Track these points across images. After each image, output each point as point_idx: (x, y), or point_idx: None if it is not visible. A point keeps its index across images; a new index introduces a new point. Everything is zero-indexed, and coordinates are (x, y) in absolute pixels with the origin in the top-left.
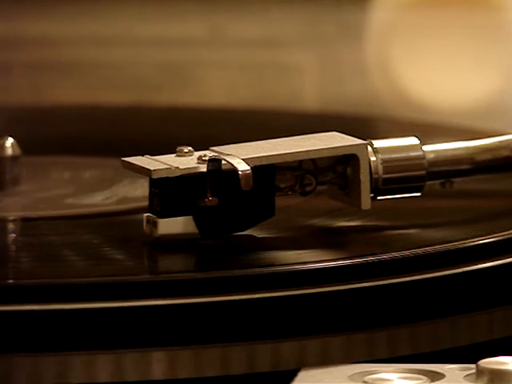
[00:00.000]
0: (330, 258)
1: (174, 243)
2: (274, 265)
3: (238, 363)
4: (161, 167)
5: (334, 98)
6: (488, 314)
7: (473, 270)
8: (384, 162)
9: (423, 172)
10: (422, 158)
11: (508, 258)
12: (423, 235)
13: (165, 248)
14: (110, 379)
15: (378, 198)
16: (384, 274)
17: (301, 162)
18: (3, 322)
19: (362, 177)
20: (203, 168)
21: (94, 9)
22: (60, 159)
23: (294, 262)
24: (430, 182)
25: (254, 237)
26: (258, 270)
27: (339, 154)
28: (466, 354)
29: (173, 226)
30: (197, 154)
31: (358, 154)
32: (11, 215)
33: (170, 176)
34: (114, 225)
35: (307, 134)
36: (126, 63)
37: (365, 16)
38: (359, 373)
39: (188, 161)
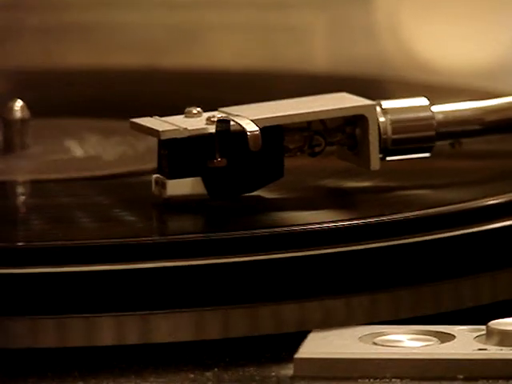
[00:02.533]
0: (339, 218)
1: (182, 204)
2: (282, 226)
3: (241, 325)
4: (169, 128)
5: (343, 59)
6: (493, 275)
7: (479, 232)
8: (393, 122)
9: (432, 132)
10: (432, 118)
11: None
12: (431, 196)
13: (174, 209)
14: (136, 340)
15: (387, 158)
16: (390, 234)
17: (310, 122)
18: (15, 285)
19: (370, 137)
20: (212, 129)
21: None
22: (70, 122)
23: (302, 222)
24: (439, 143)
25: (263, 198)
26: (266, 231)
27: (348, 114)
28: (471, 317)
29: (181, 187)
30: (205, 115)
31: (367, 115)
32: (20, 178)
33: (178, 137)
34: (123, 186)
35: (316, 95)
36: (135, 26)
37: None
38: (369, 334)
39: (197, 122)
